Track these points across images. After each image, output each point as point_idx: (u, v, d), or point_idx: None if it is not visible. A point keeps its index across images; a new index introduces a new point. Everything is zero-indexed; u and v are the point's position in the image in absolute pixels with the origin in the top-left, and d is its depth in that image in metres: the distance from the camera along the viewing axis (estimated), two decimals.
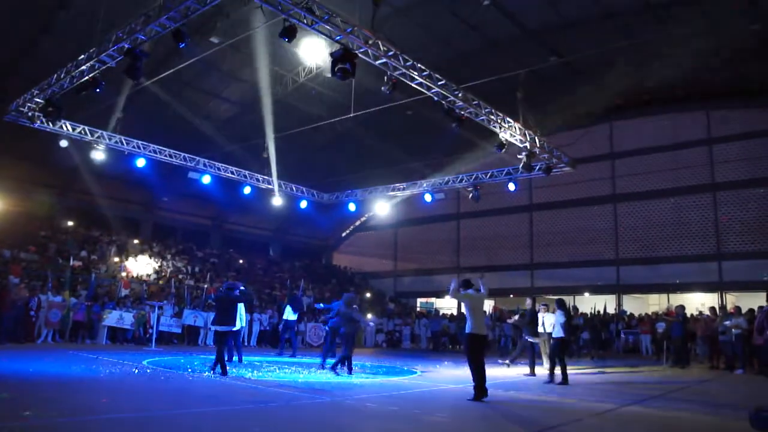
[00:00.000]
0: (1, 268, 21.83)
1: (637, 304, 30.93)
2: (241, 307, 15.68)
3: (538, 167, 23.04)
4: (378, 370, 15.87)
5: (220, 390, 10.43)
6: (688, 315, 21.19)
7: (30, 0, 19.37)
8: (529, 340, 15.89)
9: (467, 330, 10.47)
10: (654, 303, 31.73)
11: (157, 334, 20.68)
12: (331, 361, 14.27)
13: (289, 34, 13.62)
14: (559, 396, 11.19)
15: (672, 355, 19.63)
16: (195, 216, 35.77)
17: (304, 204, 28.82)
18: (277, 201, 27.17)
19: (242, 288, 13.40)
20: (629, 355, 24.78)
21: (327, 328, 15.95)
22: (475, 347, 10.39)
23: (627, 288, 30.62)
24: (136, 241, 30.31)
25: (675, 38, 21.01)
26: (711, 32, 21.05)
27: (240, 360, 15.98)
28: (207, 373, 12.43)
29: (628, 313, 28.41)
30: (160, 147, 23.02)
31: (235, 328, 13.72)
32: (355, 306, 14.76)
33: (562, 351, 13.41)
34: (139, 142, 22.39)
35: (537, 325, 15.59)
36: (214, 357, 12.83)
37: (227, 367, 12.59)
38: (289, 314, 19.02)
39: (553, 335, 13.53)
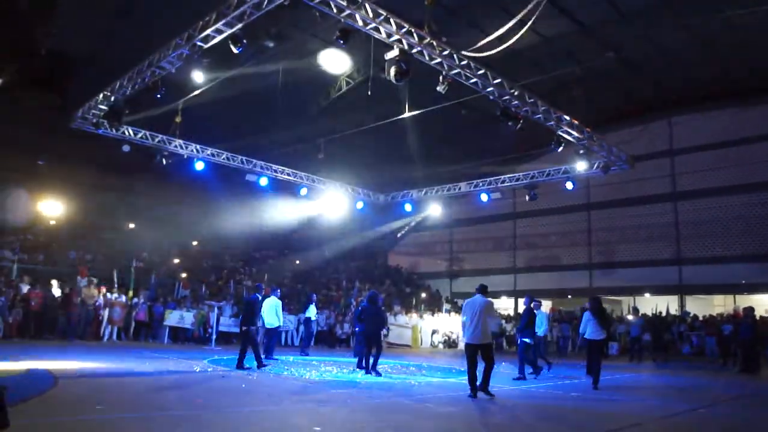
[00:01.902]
0: (69, 270, 22.58)
1: (701, 305, 30.09)
2: (277, 306, 16.26)
3: (595, 165, 22.72)
4: (434, 370, 15.85)
5: (279, 389, 10.57)
6: (757, 317, 20.26)
7: (91, 9, 19.94)
8: (526, 341, 14.43)
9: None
10: (719, 304, 30.86)
11: (217, 334, 21.07)
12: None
13: (344, 36, 13.72)
14: (617, 400, 11.00)
15: (740, 359, 18.88)
16: (252, 217, 36.23)
17: (360, 205, 28.99)
18: (334, 203, 27.44)
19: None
20: (693, 358, 24.04)
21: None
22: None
23: (690, 288, 29.82)
24: (195, 243, 30.95)
25: (737, 28, 20.41)
26: None
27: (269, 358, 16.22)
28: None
29: (691, 314, 27.69)
30: (218, 150, 23.47)
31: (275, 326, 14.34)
32: (379, 303, 14.78)
33: (597, 353, 12.82)
34: (198, 145, 22.88)
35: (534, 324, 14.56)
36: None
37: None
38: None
39: (587, 336, 12.91)
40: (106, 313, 19.98)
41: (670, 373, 17.54)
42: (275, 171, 25.39)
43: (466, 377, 10.28)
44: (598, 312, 12.63)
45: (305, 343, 20.25)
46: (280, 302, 17.01)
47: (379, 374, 13.39)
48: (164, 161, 21.75)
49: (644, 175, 29.02)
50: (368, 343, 13.81)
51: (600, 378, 12.27)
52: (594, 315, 12.58)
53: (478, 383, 10.13)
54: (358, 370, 14.10)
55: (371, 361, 13.65)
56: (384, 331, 14.19)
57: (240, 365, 13.27)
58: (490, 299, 10.60)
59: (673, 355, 24.50)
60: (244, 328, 13.77)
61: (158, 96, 16.99)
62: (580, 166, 22.39)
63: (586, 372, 13.19)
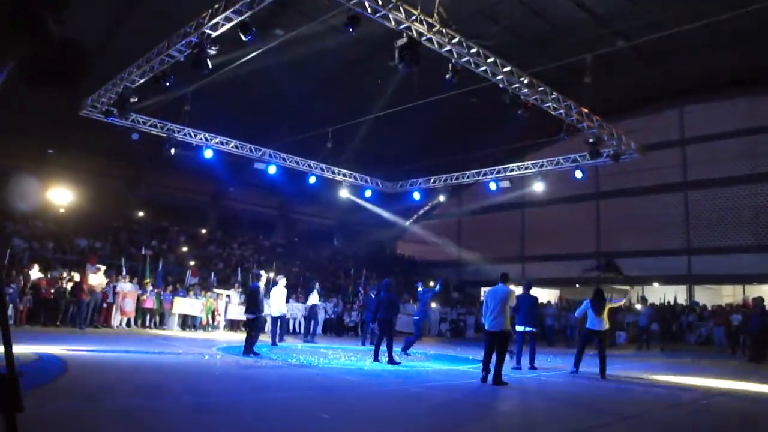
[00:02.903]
0: (78, 258, 22.72)
1: (710, 296, 30.05)
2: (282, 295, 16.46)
3: (605, 154, 22.63)
4: (441, 358, 15.90)
5: (288, 377, 10.63)
6: (767, 307, 20.22)
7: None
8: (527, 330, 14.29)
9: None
10: (728, 294, 30.75)
11: (226, 322, 21.17)
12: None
13: (353, 22, 13.68)
14: (626, 389, 11.01)
15: (748, 349, 18.91)
16: (261, 206, 36.36)
17: (368, 193, 29.00)
18: (343, 193, 27.47)
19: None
20: (702, 347, 24.01)
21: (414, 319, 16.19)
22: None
23: (699, 278, 29.75)
24: (203, 231, 31.06)
25: (752, 15, 20.17)
26: None
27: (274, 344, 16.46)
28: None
29: (700, 304, 27.63)
30: (227, 138, 23.50)
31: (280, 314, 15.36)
32: (394, 291, 14.87)
33: (598, 343, 12.74)
34: (206, 134, 22.91)
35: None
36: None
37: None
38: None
39: (587, 325, 12.74)
40: (117, 301, 20.09)
41: (679, 362, 17.52)
42: (284, 159, 25.40)
43: (481, 363, 10.46)
44: (597, 302, 12.59)
45: (312, 331, 20.37)
46: (285, 291, 17.10)
47: (397, 363, 13.33)
48: (173, 150, 21.74)
49: (655, 165, 28.72)
50: (383, 332, 13.87)
51: (606, 367, 12.25)
52: (593, 304, 12.58)
53: (495, 373, 10.25)
54: (376, 362, 13.70)
55: (384, 348, 13.64)
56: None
57: (247, 352, 13.49)
58: (511, 288, 10.72)
59: (681, 345, 24.52)
60: (250, 316, 14.11)
61: (167, 84, 17.03)
62: (590, 154, 22.27)
63: (574, 363, 12.84)
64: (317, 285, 21.32)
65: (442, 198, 30.93)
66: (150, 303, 21.02)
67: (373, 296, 17.55)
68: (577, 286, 31.33)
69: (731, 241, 28.25)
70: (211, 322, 21.89)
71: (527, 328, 13.95)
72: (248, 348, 13.54)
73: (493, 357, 10.26)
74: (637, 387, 11.33)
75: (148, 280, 21.36)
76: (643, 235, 30.77)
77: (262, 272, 15.62)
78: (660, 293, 29.09)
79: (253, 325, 13.95)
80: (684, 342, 25.20)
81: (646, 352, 22.20)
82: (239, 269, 26.07)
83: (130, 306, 20.29)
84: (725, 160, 28.39)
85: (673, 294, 28.65)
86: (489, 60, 16.34)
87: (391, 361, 13.33)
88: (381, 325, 13.97)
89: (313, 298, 20.21)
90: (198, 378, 9.89)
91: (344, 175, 27.81)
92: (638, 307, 26.31)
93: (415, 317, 16.62)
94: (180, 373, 10.29)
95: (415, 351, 16.33)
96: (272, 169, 24.94)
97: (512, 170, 26.10)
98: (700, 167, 29.36)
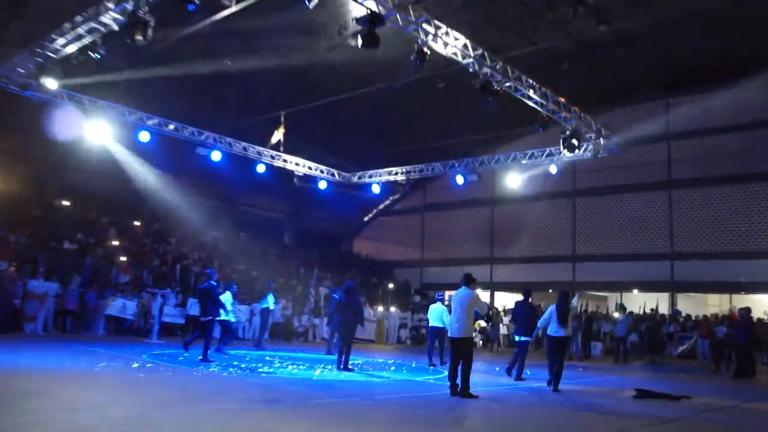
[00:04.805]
0: None
1: (694, 305, 30.56)
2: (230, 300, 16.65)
3: (583, 148, 22.85)
4: (401, 368, 16.02)
5: (228, 386, 10.62)
6: (755, 319, 20.52)
7: None
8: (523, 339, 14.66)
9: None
10: (713, 304, 31.27)
11: (159, 325, 20.94)
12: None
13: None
14: (594, 404, 11.24)
15: (734, 364, 19.19)
16: (203, 197, 35.97)
17: (323, 185, 28.98)
18: (296, 183, 27.45)
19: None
20: (684, 361, 24.23)
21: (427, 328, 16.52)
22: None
23: (682, 286, 30.04)
24: (137, 223, 30.64)
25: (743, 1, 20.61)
26: None
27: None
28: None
29: (683, 314, 28.09)
30: (166, 119, 23.23)
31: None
32: (357, 294, 15.20)
33: (558, 352, 12.84)
34: (143, 113, 22.61)
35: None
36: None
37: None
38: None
39: (548, 332, 12.94)
40: (31, 302, 19.45)
41: (660, 377, 17.87)
42: (229, 144, 25.22)
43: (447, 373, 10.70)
44: (561, 307, 12.75)
45: (259, 336, 20.29)
46: (231, 295, 17.09)
47: (351, 370, 13.78)
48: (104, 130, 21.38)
49: (637, 161, 29.09)
50: (342, 338, 14.24)
51: (561, 380, 12.46)
52: (557, 310, 12.74)
53: (462, 384, 10.45)
54: (339, 370, 13.96)
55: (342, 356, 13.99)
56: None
57: (204, 358, 13.71)
58: (474, 291, 10.87)
59: (662, 357, 24.82)
60: (207, 318, 14.29)
61: (99, 56, 16.74)
62: (567, 148, 22.46)
63: (549, 372, 12.94)
64: (273, 286, 21.25)
65: (404, 192, 31.12)
66: (72, 304, 20.64)
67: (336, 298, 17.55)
68: (550, 291, 31.72)
69: (718, 246, 28.54)
70: (143, 325, 21.61)
71: (523, 338, 14.32)
72: (205, 353, 13.79)
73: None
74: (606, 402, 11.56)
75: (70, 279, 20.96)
76: (622, 237, 31.16)
77: (215, 271, 15.73)
78: (640, 301, 29.55)
79: (206, 328, 14.16)
80: (664, 355, 25.50)
81: (623, 364, 22.49)
82: (177, 266, 25.81)
83: (47, 308, 19.79)
84: (714, 158, 28.68)
85: (654, 302, 29.07)
86: (459, 42, 16.47)
87: (346, 368, 13.69)
88: (342, 330, 14.26)
89: (269, 301, 20.12)
90: (122, 389, 9.80)
91: (297, 164, 27.73)
92: (616, 315, 26.67)
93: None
94: (101, 386, 10.18)
95: (371, 360, 16.42)
96: (216, 156, 24.75)
97: (482, 163, 26.33)
98: (686, 165, 29.65)
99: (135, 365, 12.62)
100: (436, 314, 16.57)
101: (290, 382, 11.51)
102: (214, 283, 14.83)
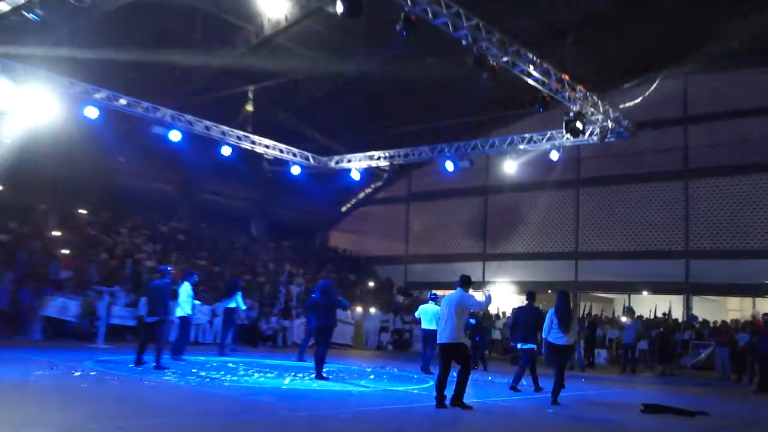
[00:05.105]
0: None
1: (712, 309, 30.51)
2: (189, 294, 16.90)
3: (589, 132, 22.88)
4: (381, 376, 16.05)
5: (185, 397, 10.57)
6: None
7: None
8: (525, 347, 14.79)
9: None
10: (734, 308, 31.32)
11: (107, 328, 20.75)
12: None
13: None
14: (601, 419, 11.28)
15: (758, 376, 19.08)
16: (159, 181, 35.78)
17: (296, 170, 28.86)
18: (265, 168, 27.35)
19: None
20: (700, 373, 24.09)
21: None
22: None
23: (699, 287, 30.06)
24: (82, 211, 30.40)
25: None
26: None
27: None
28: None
29: (699, 319, 28.10)
30: (116, 93, 22.99)
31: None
32: (334, 294, 15.19)
33: (560, 361, 12.81)
34: (90, 86, 22.35)
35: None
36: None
37: None
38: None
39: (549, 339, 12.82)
40: None
41: (672, 390, 17.94)
42: (190, 123, 25.04)
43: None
44: (561, 310, 12.68)
45: (227, 341, 20.17)
46: (190, 287, 17.00)
47: (326, 378, 13.89)
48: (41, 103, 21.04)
49: (649, 147, 29.11)
50: (318, 341, 14.34)
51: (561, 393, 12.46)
52: (556, 313, 12.65)
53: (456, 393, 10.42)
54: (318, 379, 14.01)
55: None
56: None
57: (158, 364, 13.67)
58: (467, 293, 10.86)
59: (675, 368, 24.64)
60: (154, 319, 14.19)
61: (37, 18, 16.49)
62: (571, 131, 22.43)
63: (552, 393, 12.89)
64: (241, 284, 21.13)
65: (387, 179, 31.08)
66: (2, 304, 20.40)
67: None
68: (549, 291, 31.79)
69: (740, 244, 28.51)
70: (87, 328, 21.43)
71: (527, 345, 14.37)
72: (159, 358, 13.79)
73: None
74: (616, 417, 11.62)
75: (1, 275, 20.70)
76: (631, 233, 31.24)
77: (170, 268, 15.71)
78: (650, 304, 29.65)
79: (157, 330, 14.10)
80: (678, 365, 25.11)
81: (631, 375, 22.56)
82: (128, 261, 25.66)
83: None
84: (737, 144, 28.57)
85: (667, 305, 29.05)
86: (451, 10, 16.41)
87: (320, 376, 13.78)
88: (319, 333, 14.33)
89: (239, 301, 19.93)
90: (59, 403, 9.64)
91: (266, 147, 27.59)
92: (623, 320, 26.73)
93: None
94: (34, 399, 10.04)
95: (348, 367, 16.42)
96: (175, 135, 24.53)
97: (474, 147, 26.29)
98: (706, 152, 29.54)
99: (77, 374, 12.50)
100: (430, 315, 16.69)
101: (256, 393, 11.48)
102: (168, 281, 14.77)
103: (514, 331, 15.61)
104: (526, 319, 14.73)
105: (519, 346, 14.87)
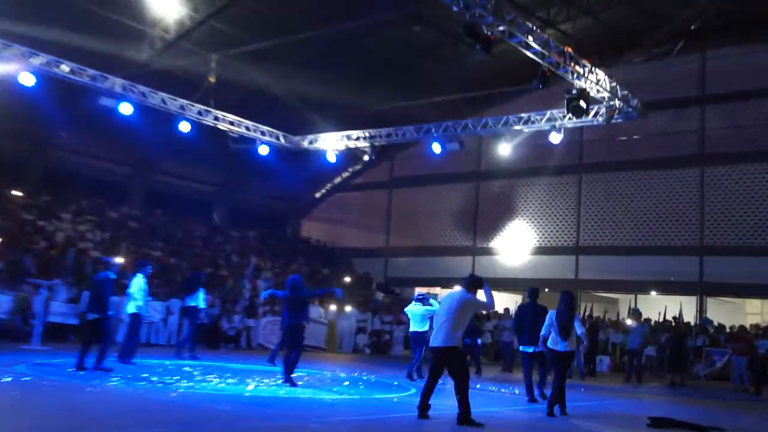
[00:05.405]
0: None
1: (728, 312, 30.61)
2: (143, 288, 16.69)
3: (594, 112, 22.90)
4: (357, 383, 16.04)
5: (133, 405, 10.52)
6: None
7: None
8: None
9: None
10: (754, 311, 31.53)
11: (44, 326, 20.63)
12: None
13: None
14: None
15: None
16: (108, 161, 35.57)
17: (264, 150, 28.75)
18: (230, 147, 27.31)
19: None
20: (714, 383, 24.26)
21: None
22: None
23: (714, 287, 30.15)
24: (17, 193, 30.19)
25: None
26: None
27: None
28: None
29: (714, 323, 28.17)
30: (58, 59, 22.78)
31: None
32: (304, 291, 15.19)
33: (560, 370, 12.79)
34: (27, 49, 22.11)
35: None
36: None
37: None
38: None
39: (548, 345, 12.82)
40: None
41: (683, 402, 18.02)
42: (143, 95, 24.87)
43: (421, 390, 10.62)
44: (562, 313, 12.63)
45: (188, 342, 20.11)
46: (143, 280, 16.94)
47: (295, 384, 13.85)
48: None
49: (661, 130, 29.15)
50: (291, 341, 14.40)
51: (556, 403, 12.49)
52: (556, 316, 12.62)
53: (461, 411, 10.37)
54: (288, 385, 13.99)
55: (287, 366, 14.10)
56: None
57: (98, 366, 13.61)
58: (475, 296, 10.74)
59: (686, 377, 24.55)
60: (94, 316, 14.14)
61: None
62: (573, 111, 22.43)
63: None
64: (202, 278, 21.04)
65: (368, 162, 30.98)
66: None
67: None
68: (546, 290, 31.88)
69: (760, 239, 28.61)
70: (21, 326, 21.31)
71: (532, 349, 14.26)
72: (100, 359, 13.75)
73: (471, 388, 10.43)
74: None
75: None
76: (639, 226, 31.33)
77: (114, 260, 15.67)
78: (659, 305, 29.82)
79: (99, 328, 14.05)
80: (690, 374, 24.93)
81: (636, 385, 22.60)
82: (70, 251, 25.52)
83: None
84: (759, 128, 28.71)
85: (678, 307, 28.89)
86: None
87: (288, 380, 13.79)
88: (290, 333, 14.39)
89: (200, 298, 19.88)
90: None
91: (231, 123, 27.48)
92: (628, 322, 26.77)
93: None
94: None
95: (319, 372, 16.45)
96: (126, 109, 24.37)
97: (465, 128, 26.30)
98: (725, 136, 29.63)
99: (7, 379, 12.40)
100: (418, 316, 16.77)
101: (215, 400, 11.44)
102: (112, 276, 14.70)
103: (521, 331, 15.45)
104: (529, 320, 14.58)
105: (521, 348, 14.92)
